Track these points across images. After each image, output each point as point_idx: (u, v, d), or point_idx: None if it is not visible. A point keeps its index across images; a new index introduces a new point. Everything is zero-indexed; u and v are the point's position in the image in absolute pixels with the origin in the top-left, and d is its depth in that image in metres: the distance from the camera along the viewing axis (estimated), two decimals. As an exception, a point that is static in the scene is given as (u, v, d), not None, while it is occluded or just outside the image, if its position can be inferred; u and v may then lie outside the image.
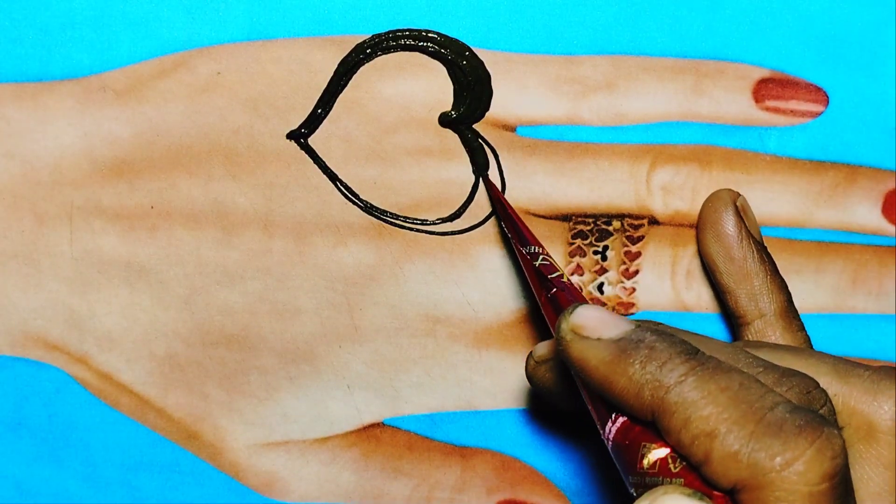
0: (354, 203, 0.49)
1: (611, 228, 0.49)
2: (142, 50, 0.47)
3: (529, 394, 0.52)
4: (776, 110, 0.48)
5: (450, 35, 0.47)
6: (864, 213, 0.50)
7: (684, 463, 0.36)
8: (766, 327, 0.46)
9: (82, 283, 0.50)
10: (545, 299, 0.44)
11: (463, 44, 0.47)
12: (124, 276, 0.50)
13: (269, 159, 0.48)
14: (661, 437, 0.37)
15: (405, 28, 0.47)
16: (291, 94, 0.47)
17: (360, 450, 0.53)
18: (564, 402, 0.46)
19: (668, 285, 0.50)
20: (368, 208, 0.49)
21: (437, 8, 0.46)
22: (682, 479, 0.36)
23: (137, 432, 0.53)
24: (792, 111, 0.48)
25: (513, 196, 0.49)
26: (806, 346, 0.46)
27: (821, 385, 0.39)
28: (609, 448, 0.38)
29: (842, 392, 0.40)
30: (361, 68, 0.47)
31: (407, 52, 0.47)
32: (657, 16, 0.47)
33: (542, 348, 0.45)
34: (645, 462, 0.36)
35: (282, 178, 0.48)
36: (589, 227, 0.50)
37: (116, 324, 0.51)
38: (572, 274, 0.50)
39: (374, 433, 0.53)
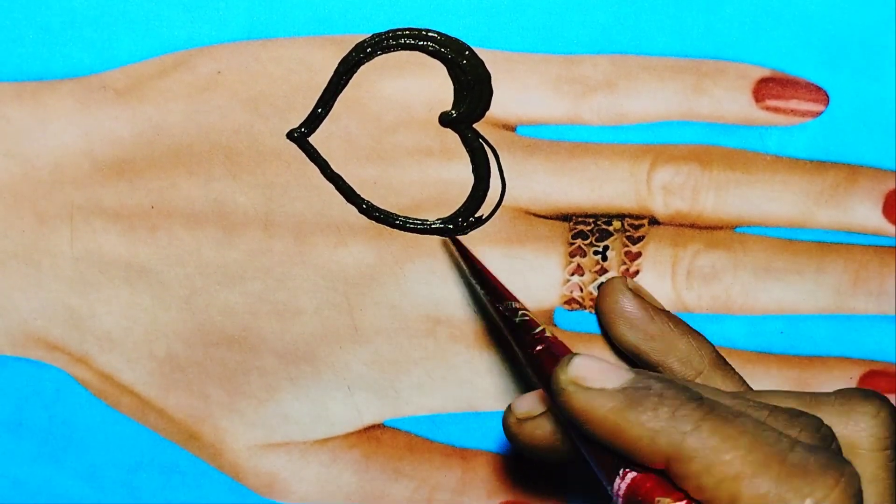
0: (354, 204, 0.49)
1: (611, 228, 0.49)
2: (142, 49, 0.47)
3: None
4: (776, 110, 0.48)
5: (450, 34, 0.47)
6: (865, 214, 0.50)
7: None
8: (708, 382, 0.46)
9: (83, 282, 0.50)
10: (530, 356, 0.43)
11: (463, 43, 0.47)
12: (125, 276, 0.50)
13: (269, 159, 0.48)
14: (672, 488, 0.37)
15: (405, 27, 0.47)
16: (292, 94, 0.47)
17: (360, 451, 0.53)
18: (554, 456, 0.45)
19: (668, 285, 0.50)
20: (368, 209, 0.49)
21: (438, 7, 0.46)
22: None
23: (138, 433, 0.53)
24: (792, 111, 0.48)
25: (513, 196, 0.49)
26: (744, 385, 0.46)
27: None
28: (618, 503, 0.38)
29: None
30: (362, 68, 0.47)
31: (407, 52, 0.47)
32: (658, 15, 0.47)
33: (525, 404, 0.45)
34: None
35: (282, 177, 0.48)
36: (589, 227, 0.50)
37: (117, 324, 0.51)
38: (572, 274, 0.50)
39: (374, 434, 0.53)
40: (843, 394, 0.41)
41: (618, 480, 0.38)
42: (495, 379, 0.52)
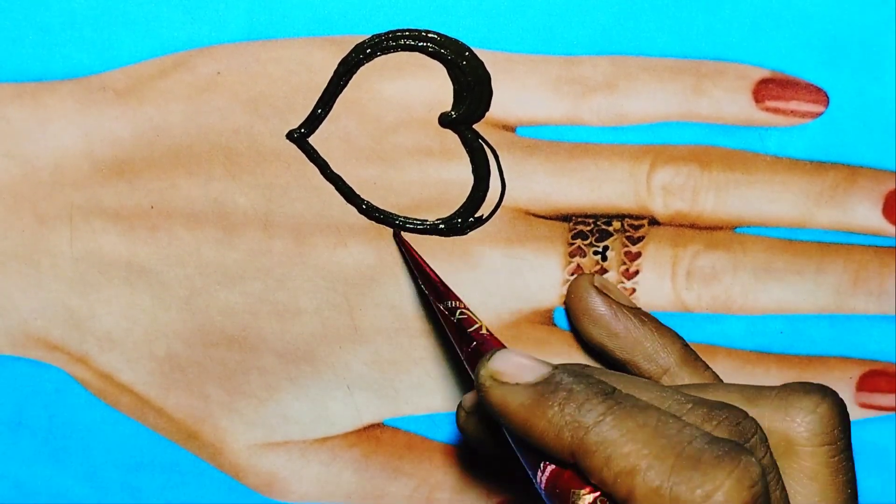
0: (354, 204, 0.49)
1: (611, 229, 0.49)
2: (142, 50, 0.47)
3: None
4: (776, 111, 0.48)
5: (450, 35, 0.47)
6: (865, 214, 0.50)
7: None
8: (674, 379, 0.46)
9: (83, 283, 0.50)
10: (466, 353, 0.44)
11: (463, 44, 0.47)
12: (125, 277, 0.50)
13: (269, 159, 0.48)
14: (587, 481, 0.37)
15: (405, 28, 0.47)
16: (291, 95, 0.47)
17: (360, 450, 0.53)
18: (495, 450, 0.46)
19: (668, 285, 0.50)
20: (368, 209, 0.49)
21: (437, 8, 0.46)
22: None
23: (138, 432, 0.53)
24: (792, 111, 0.48)
25: (512, 196, 0.49)
26: (716, 381, 0.46)
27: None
28: (543, 496, 0.39)
29: (754, 415, 0.40)
30: (361, 68, 0.47)
31: (407, 53, 0.47)
32: (657, 16, 0.47)
33: (470, 398, 0.46)
34: None
35: (282, 178, 0.48)
36: (589, 228, 0.50)
37: (117, 324, 0.51)
38: (572, 274, 0.50)
39: (374, 433, 0.53)
40: (784, 388, 0.41)
41: (539, 473, 0.39)
42: (495, 378, 0.52)
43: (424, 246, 0.49)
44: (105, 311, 0.51)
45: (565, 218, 0.49)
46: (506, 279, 0.50)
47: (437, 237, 0.49)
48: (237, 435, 0.53)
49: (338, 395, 0.52)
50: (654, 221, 0.50)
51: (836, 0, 0.47)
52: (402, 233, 0.49)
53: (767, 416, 0.41)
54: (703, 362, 0.47)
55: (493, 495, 0.54)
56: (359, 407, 0.52)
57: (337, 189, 0.49)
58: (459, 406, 0.46)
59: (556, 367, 0.39)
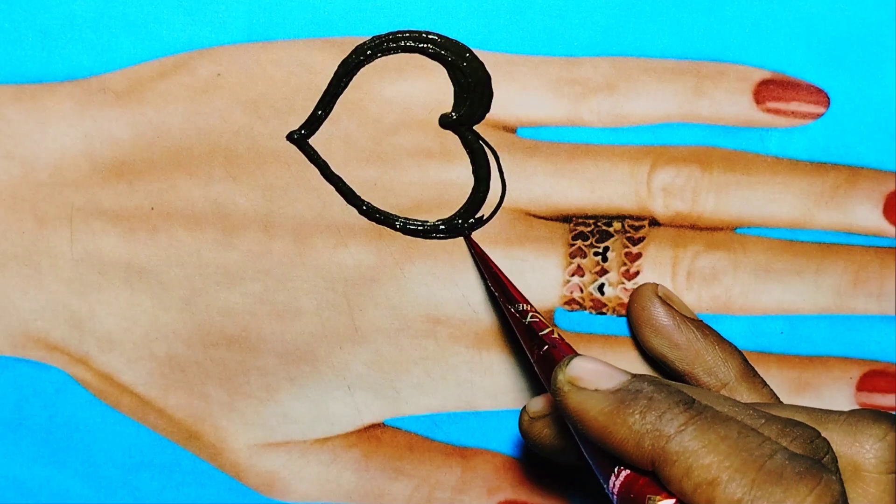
0: (354, 205, 0.49)
1: (611, 230, 0.49)
2: (142, 51, 0.47)
3: (530, 394, 0.52)
4: (777, 112, 0.48)
5: (450, 36, 0.47)
6: (865, 215, 0.50)
7: None
8: (733, 394, 0.46)
9: (82, 284, 0.50)
10: (538, 356, 0.44)
11: (463, 45, 0.47)
12: (125, 277, 0.50)
13: (269, 160, 0.48)
14: (664, 488, 0.37)
15: (405, 30, 0.47)
16: (291, 96, 0.47)
17: (360, 450, 0.53)
18: (562, 456, 0.46)
19: (668, 286, 0.50)
20: (369, 210, 0.49)
21: (438, 9, 0.46)
22: None
23: (138, 433, 0.53)
24: (793, 112, 0.48)
25: (513, 198, 0.49)
26: (773, 398, 0.47)
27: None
28: (614, 502, 0.39)
29: None
30: (362, 70, 0.47)
31: (407, 54, 0.47)
32: (658, 17, 0.47)
33: (537, 403, 0.46)
34: None
35: (282, 179, 0.48)
36: (589, 229, 0.49)
37: (117, 325, 0.51)
38: (572, 275, 0.50)
39: (374, 434, 0.53)
40: (853, 414, 0.42)
41: (612, 478, 0.39)
42: (494, 379, 0.52)
43: (425, 247, 0.49)
44: (105, 312, 0.51)
45: (566, 219, 0.49)
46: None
47: (438, 238, 0.49)
48: (237, 435, 0.53)
49: (338, 396, 0.52)
50: (654, 222, 0.49)
51: (836, 0, 0.47)
52: (472, 236, 0.49)
53: (836, 441, 0.41)
54: (762, 379, 0.47)
55: (492, 495, 0.54)
56: (359, 407, 0.52)
57: (337, 190, 0.49)
58: (523, 410, 0.46)
59: (634, 375, 0.40)
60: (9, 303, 0.51)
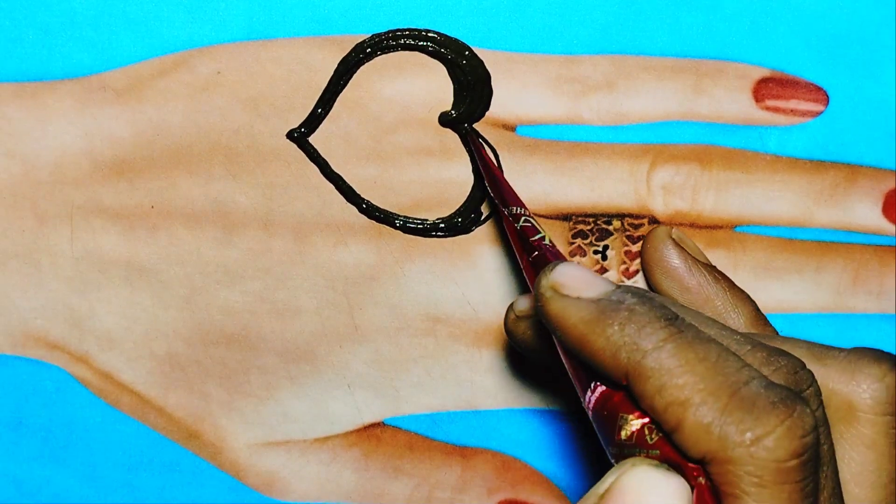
0: (354, 204, 0.49)
1: (611, 228, 0.49)
2: (142, 49, 0.47)
3: (530, 394, 0.52)
4: (776, 110, 0.48)
5: (450, 35, 0.47)
6: (865, 213, 0.50)
7: (661, 434, 0.35)
8: None
9: (83, 282, 0.50)
10: (527, 262, 0.43)
11: (463, 43, 0.47)
12: (125, 276, 0.50)
13: (269, 159, 0.48)
14: (638, 407, 0.36)
15: (405, 28, 0.47)
16: (291, 94, 0.47)
17: (360, 449, 0.53)
18: (542, 359, 0.45)
19: (668, 285, 0.50)
20: (368, 209, 0.49)
21: (437, 7, 0.46)
22: (658, 451, 0.35)
23: (138, 432, 0.53)
24: (792, 111, 0.48)
25: (513, 195, 0.49)
26: None
27: None
28: (590, 417, 0.38)
29: (819, 374, 0.39)
30: (361, 68, 0.47)
31: (407, 52, 0.47)
32: (657, 15, 0.47)
33: (523, 302, 0.45)
34: (623, 433, 0.36)
35: (282, 177, 0.48)
36: (589, 227, 0.50)
37: (117, 323, 0.51)
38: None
39: (374, 433, 0.53)
40: (854, 351, 0.40)
41: (588, 393, 0.38)
42: (495, 377, 0.52)
43: (425, 245, 0.49)
44: (105, 311, 0.51)
45: (565, 217, 0.49)
46: (506, 278, 0.50)
47: (438, 237, 0.49)
48: (237, 434, 0.53)
49: (338, 395, 0.52)
50: (654, 220, 0.50)
51: (836, 0, 0.47)
52: (473, 132, 0.48)
53: (833, 377, 0.39)
54: (773, 328, 0.46)
55: (492, 494, 0.54)
56: (359, 406, 0.52)
57: (337, 188, 0.49)
58: (510, 307, 0.45)
59: (619, 285, 0.38)
60: (9, 301, 0.51)
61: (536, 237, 0.43)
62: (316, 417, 0.52)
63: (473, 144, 0.48)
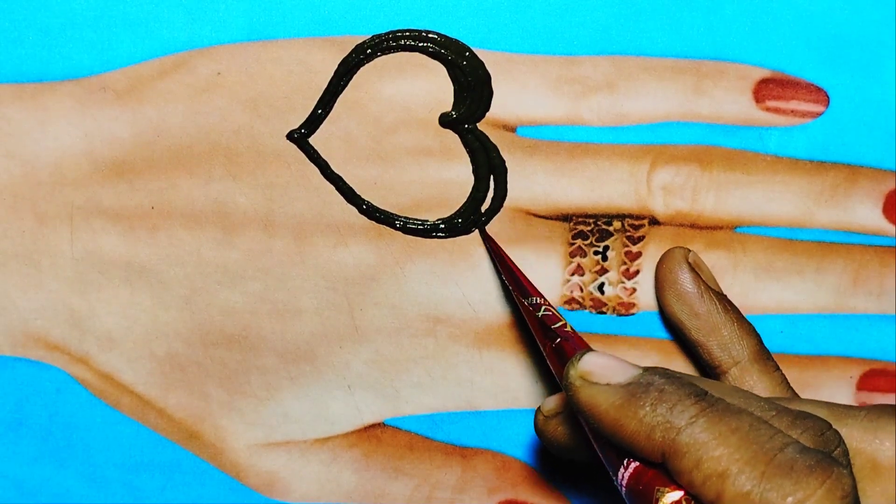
0: (354, 204, 0.49)
1: (611, 228, 0.49)
2: (142, 50, 0.47)
3: (530, 393, 0.52)
4: (777, 110, 0.48)
5: (450, 35, 0.47)
6: (865, 214, 0.50)
7: None
8: (743, 374, 0.46)
9: (83, 283, 0.50)
10: (550, 350, 0.44)
11: (463, 44, 0.47)
12: (125, 277, 0.50)
13: (269, 159, 0.48)
14: (673, 481, 0.37)
15: (405, 28, 0.47)
16: (291, 95, 0.47)
17: (360, 450, 0.53)
18: (576, 453, 0.46)
19: (668, 285, 0.50)
20: (369, 209, 0.49)
21: (438, 8, 0.46)
22: None
23: (138, 432, 0.53)
24: (792, 111, 0.48)
25: (513, 196, 0.49)
26: (784, 383, 0.47)
27: None
28: (623, 494, 0.39)
29: (841, 433, 0.40)
30: (362, 69, 0.47)
31: (407, 53, 0.47)
32: (658, 16, 0.47)
33: (551, 402, 0.46)
34: None
35: (282, 178, 0.48)
36: (589, 228, 0.50)
37: (117, 324, 0.51)
38: (572, 274, 0.50)
39: (374, 433, 0.53)
40: (874, 409, 0.41)
41: (621, 470, 0.39)
42: (495, 378, 0.52)
43: (425, 246, 0.49)
44: (105, 311, 0.51)
45: (566, 218, 0.49)
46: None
47: (438, 237, 0.49)
48: (237, 435, 0.53)
49: (338, 395, 0.52)
50: (654, 221, 0.49)
51: (836, 0, 0.47)
52: (486, 229, 0.49)
53: (855, 437, 0.41)
54: (775, 363, 0.47)
55: (492, 494, 0.54)
56: (359, 406, 0.52)
57: (337, 189, 0.49)
58: (538, 410, 0.46)
59: (645, 368, 0.39)
60: (9, 302, 0.51)
61: (558, 325, 0.45)
62: (316, 418, 0.52)
63: (487, 240, 0.49)
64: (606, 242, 0.50)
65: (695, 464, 0.36)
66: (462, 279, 0.50)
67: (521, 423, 0.52)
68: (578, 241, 0.50)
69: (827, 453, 0.37)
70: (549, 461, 0.53)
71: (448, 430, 0.53)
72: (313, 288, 0.50)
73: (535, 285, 0.48)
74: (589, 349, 0.41)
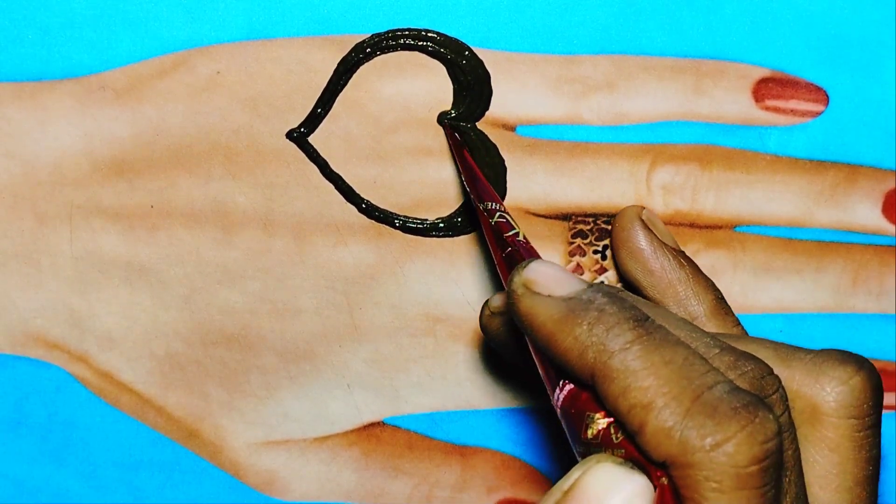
0: (354, 203, 0.49)
1: (610, 228, 0.49)
2: (142, 49, 0.47)
3: (529, 394, 0.52)
4: (776, 110, 0.48)
5: (449, 34, 0.47)
6: (865, 213, 0.50)
7: (626, 433, 0.35)
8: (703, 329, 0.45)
9: (82, 282, 0.50)
10: (500, 258, 0.43)
11: (462, 43, 0.47)
12: (124, 276, 0.50)
13: (268, 159, 0.48)
14: (604, 406, 0.36)
15: (405, 27, 0.47)
16: (291, 94, 0.47)
17: (360, 449, 0.53)
18: (515, 356, 0.45)
19: (668, 285, 0.50)
20: (368, 208, 0.49)
21: (437, 7, 0.46)
22: (624, 450, 0.35)
23: (138, 431, 0.53)
24: (792, 111, 0.48)
25: (512, 196, 0.49)
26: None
27: None
28: (558, 415, 0.38)
29: (784, 376, 0.39)
30: (361, 68, 0.47)
31: (407, 52, 0.47)
32: (657, 15, 0.47)
33: (498, 299, 0.45)
34: (589, 432, 0.36)
35: (282, 177, 0.48)
36: (589, 227, 0.50)
37: (117, 323, 0.51)
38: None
39: (374, 432, 0.53)
40: (820, 353, 0.40)
41: (557, 390, 0.38)
42: (495, 377, 0.52)
43: (425, 245, 0.49)
44: (105, 311, 0.51)
45: (565, 217, 0.49)
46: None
47: (437, 236, 0.49)
48: (237, 434, 0.53)
49: (338, 394, 0.52)
50: (653, 221, 0.50)
51: (836, 0, 0.47)
52: (450, 126, 0.48)
53: (798, 379, 0.39)
54: (735, 317, 0.45)
55: (492, 493, 0.54)
56: (359, 406, 0.52)
57: (337, 188, 0.49)
58: (485, 304, 0.45)
59: (591, 284, 0.38)
60: (9, 301, 0.51)
61: (510, 233, 0.43)
62: (316, 417, 0.52)
63: (449, 139, 0.48)
64: (606, 241, 0.50)
65: (622, 391, 0.35)
66: (461, 278, 0.50)
67: (521, 423, 0.52)
68: (578, 241, 0.50)
69: (759, 397, 0.35)
70: (548, 461, 0.53)
71: (447, 429, 0.53)
72: (313, 287, 0.50)
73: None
74: (538, 258, 0.40)
